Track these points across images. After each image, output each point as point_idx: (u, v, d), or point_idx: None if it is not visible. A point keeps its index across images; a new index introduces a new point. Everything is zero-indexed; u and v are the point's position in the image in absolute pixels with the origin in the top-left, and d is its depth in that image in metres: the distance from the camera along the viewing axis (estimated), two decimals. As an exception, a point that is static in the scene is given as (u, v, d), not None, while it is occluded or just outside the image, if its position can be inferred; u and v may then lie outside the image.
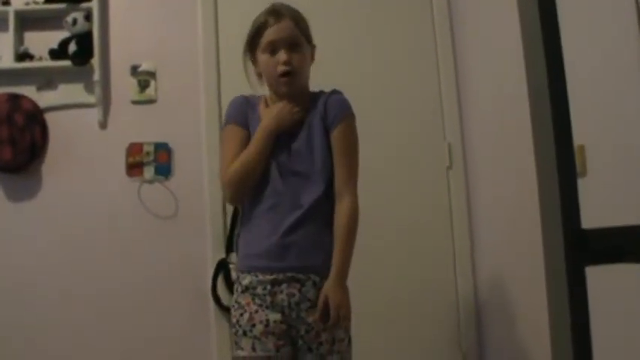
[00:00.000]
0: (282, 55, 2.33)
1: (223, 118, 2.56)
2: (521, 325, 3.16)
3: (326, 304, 2.24)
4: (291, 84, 2.37)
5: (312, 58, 2.47)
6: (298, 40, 2.36)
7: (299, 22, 2.39)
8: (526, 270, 3.03)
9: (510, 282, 3.31)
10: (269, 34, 2.35)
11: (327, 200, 2.35)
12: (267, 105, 2.46)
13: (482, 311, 3.67)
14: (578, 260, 0.80)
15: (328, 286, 2.26)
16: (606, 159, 2.33)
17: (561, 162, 0.78)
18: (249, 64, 2.48)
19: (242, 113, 2.44)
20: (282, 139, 2.36)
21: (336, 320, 2.23)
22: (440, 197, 3.78)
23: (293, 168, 2.33)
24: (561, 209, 0.78)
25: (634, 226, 0.83)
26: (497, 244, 3.47)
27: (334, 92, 2.45)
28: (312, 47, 2.47)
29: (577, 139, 0.93)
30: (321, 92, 2.47)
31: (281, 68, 2.33)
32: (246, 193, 2.38)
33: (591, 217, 1.01)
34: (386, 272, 3.66)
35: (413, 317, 3.68)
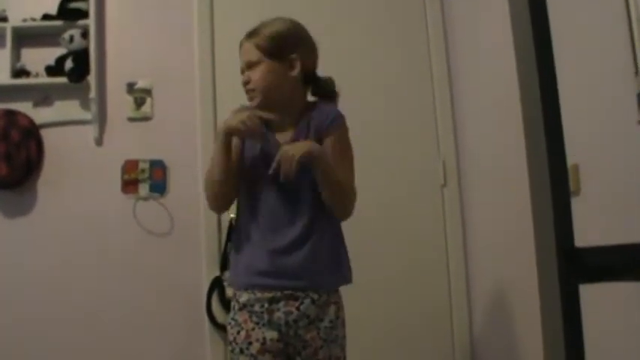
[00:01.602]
0: (243, 77, 2.42)
1: None
2: (515, 342, 3.16)
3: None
4: (252, 99, 2.41)
5: (292, 67, 2.41)
6: (250, 59, 2.40)
7: (259, 39, 2.39)
8: (521, 287, 3.03)
9: (505, 300, 3.31)
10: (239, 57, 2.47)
11: (326, 217, 2.34)
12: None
13: (476, 329, 3.66)
14: (571, 278, 0.81)
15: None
16: (600, 178, 2.34)
17: (555, 181, 0.79)
18: None
19: None
20: (273, 153, 2.33)
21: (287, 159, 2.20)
22: (434, 215, 3.79)
23: (286, 183, 2.29)
24: (554, 228, 0.79)
25: (627, 244, 0.84)
26: (491, 262, 3.48)
27: (328, 104, 2.47)
28: (289, 60, 2.41)
29: (571, 158, 0.94)
30: (316, 102, 2.48)
31: (242, 83, 2.42)
32: (224, 201, 2.42)
33: (585, 236, 1.02)
34: (380, 289, 3.66)
35: (406, 336, 3.67)
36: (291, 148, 2.23)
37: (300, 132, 2.38)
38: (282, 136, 2.38)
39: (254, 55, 2.39)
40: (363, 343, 3.31)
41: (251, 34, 2.42)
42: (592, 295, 1.11)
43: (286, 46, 2.43)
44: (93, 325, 3.58)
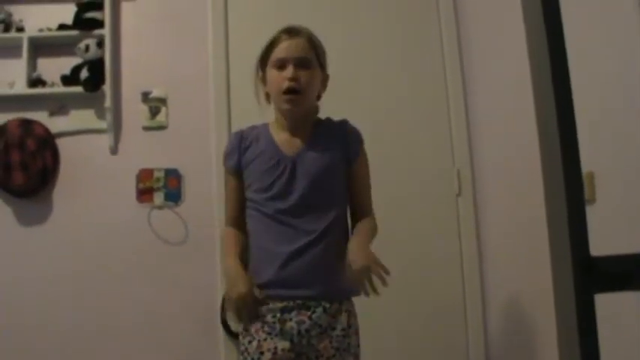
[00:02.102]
0: (289, 71, 2.29)
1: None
2: (531, 351, 3.14)
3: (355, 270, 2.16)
4: (295, 102, 2.32)
5: (324, 86, 2.44)
6: (309, 58, 2.33)
7: (314, 44, 2.36)
8: (537, 298, 3.01)
9: (520, 310, 3.29)
10: (280, 50, 2.33)
11: (338, 226, 2.34)
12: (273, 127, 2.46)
13: (491, 339, 3.64)
14: (586, 287, 0.80)
15: (352, 251, 2.20)
16: (616, 186, 2.33)
17: (570, 189, 0.78)
18: (260, 82, 2.45)
19: (234, 158, 2.42)
20: (287, 173, 2.33)
21: (367, 265, 2.14)
22: (449, 224, 3.78)
23: (300, 198, 2.31)
24: (570, 237, 0.78)
25: (644, 253, 0.84)
26: (506, 271, 3.46)
27: (346, 121, 2.44)
28: (325, 75, 2.44)
29: (586, 166, 0.94)
30: (328, 120, 2.45)
31: (286, 84, 2.30)
32: None
33: (601, 245, 1.01)
34: (394, 299, 3.64)
35: (421, 345, 3.66)
36: (359, 263, 2.15)
37: (313, 145, 2.36)
38: (291, 147, 2.37)
39: (310, 54, 2.33)
40: (377, 353, 3.30)
41: (303, 31, 2.35)
42: (608, 305, 1.10)
43: (325, 59, 2.44)
44: (107, 333, 3.59)
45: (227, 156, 2.45)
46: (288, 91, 2.30)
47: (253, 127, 2.47)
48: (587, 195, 2.61)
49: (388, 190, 3.67)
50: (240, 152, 2.41)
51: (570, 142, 0.91)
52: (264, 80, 2.42)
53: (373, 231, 2.38)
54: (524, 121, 2.70)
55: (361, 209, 2.41)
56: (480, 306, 3.69)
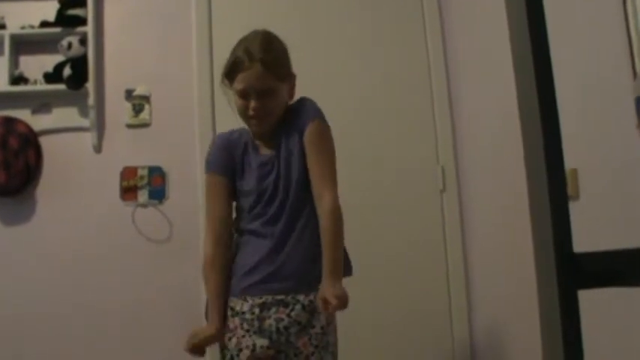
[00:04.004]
0: (252, 103, 2.33)
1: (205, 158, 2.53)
2: (515, 346, 3.16)
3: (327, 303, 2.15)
4: (262, 125, 2.39)
5: (293, 87, 2.46)
6: (268, 86, 2.33)
7: (270, 64, 2.34)
8: (520, 292, 3.03)
9: (504, 304, 3.31)
10: (240, 81, 2.34)
11: (311, 217, 2.34)
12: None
13: (475, 334, 3.66)
14: (569, 283, 0.80)
15: (323, 288, 2.18)
16: (599, 183, 2.34)
17: (552, 185, 0.78)
18: (227, 89, 2.46)
19: (222, 159, 2.44)
20: (261, 170, 2.37)
21: (336, 305, 2.11)
22: (433, 220, 3.79)
23: (275, 196, 2.34)
24: (553, 233, 0.78)
25: (626, 249, 0.84)
26: (491, 267, 3.47)
27: (302, 100, 2.45)
28: (291, 82, 2.45)
29: (570, 162, 0.94)
30: (292, 107, 2.46)
31: (251, 113, 2.35)
32: None
33: (584, 241, 1.01)
34: (378, 295, 3.66)
35: (405, 341, 3.66)
36: (332, 299, 2.12)
37: (283, 137, 2.39)
38: (268, 147, 2.42)
39: (270, 82, 2.34)
40: (359, 349, 3.30)
41: (257, 55, 2.33)
42: (591, 301, 1.11)
43: (286, 64, 2.45)
44: (92, 331, 3.57)
45: (214, 156, 2.47)
46: (254, 117, 2.36)
47: (239, 131, 2.50)
48: (570, 192, 2.63)
49: (373, 187, 3.68)
50: (225, 156, 2.44)
51: (553, 138, 0.91)
52: (230, 87, 2.44)
53: (337, 236, 2.29)
54: (509, 117, 2.71)
55: (316, 186, 2.32)
56: (465, 301, 3.70)
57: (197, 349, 2.34)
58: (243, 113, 2.38)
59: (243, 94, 2.35)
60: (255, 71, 2.32)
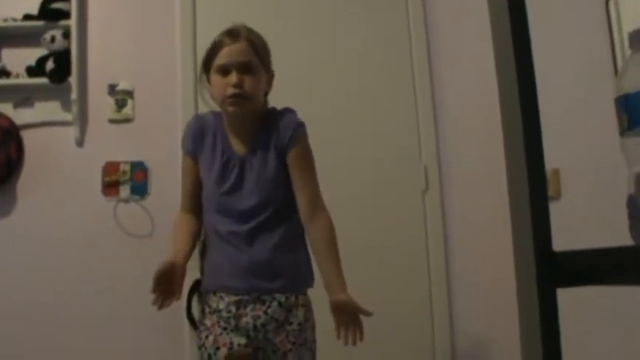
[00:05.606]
0: (232, 77, 2.25)
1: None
2: (495, 343, 3.17)
3: (343, 315, 2.23)
4: (240, 104, 2.27)
5: (270, 85, 2.41)
6: (252, 62, 2.28)
7: (257, 46, 2.31)
8: (502, 291, 3.04)
9: (486, 304, 3.32)
10: (222, 56, 2.28)
11: (286, 218, 2.32)
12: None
13: (457, 333, 3.67)
14: (548, 282, 0.81)
15: (339, 301, 2.21)
16: (581, 183, 2.36)
17: (533, 184, 0.79)
18: (206, 85, 2.40)
19: (194, 141, 2.39)
20: (236, 171, 2.32)
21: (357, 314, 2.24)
22: (416, 220, 3.79)
23: (251, 196, 2.30)
24: (532, 231, 0.79)
25: (606, 248, 0.85)
26: (472, 266, 3.49)
27: (286, 111, 2.37)
28: (270, 74, 2.40)
29: (552, 163, 0.94)
30: (273, 111, 2.39)
31: (230, 90, 2.25)
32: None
33: (565, 240, 1.02)
34: (359, 296, 3.64)
35: (386, 341, 3.66)
36: (345, 313, 2.24)
37: (259, 143, 2.32)
38: (239, 146, 2.35)
39: (253, 57, 2.28)
40: (339, 349, 3.30)
41: (244, 34, 2.29)
42: (571, 299, 1.12)
43: (268, 55, 2.40)
44: (72, 325, 3.56)
45: (187, 138, 2.42)
46: (233, 96, 2.27)
47: (213, 115, 2.43)
48: (552, 191, 2.64)
49: (354, 186, 3.68)
50: (198, 138, 2.39)
51: (533, 137, 0.92)
52: (209, 82, 2.38)
53: (336, 247, 2.33)
54: (492, 117, 2.72)
55: (306, 206, 2.31)
56: (446, 301, 3.71)
57: (164, 292, 2.32)
58: (222, 92, 2.27)
59: (224, 69, 2.27)
60: (239, 46, 2.27)
